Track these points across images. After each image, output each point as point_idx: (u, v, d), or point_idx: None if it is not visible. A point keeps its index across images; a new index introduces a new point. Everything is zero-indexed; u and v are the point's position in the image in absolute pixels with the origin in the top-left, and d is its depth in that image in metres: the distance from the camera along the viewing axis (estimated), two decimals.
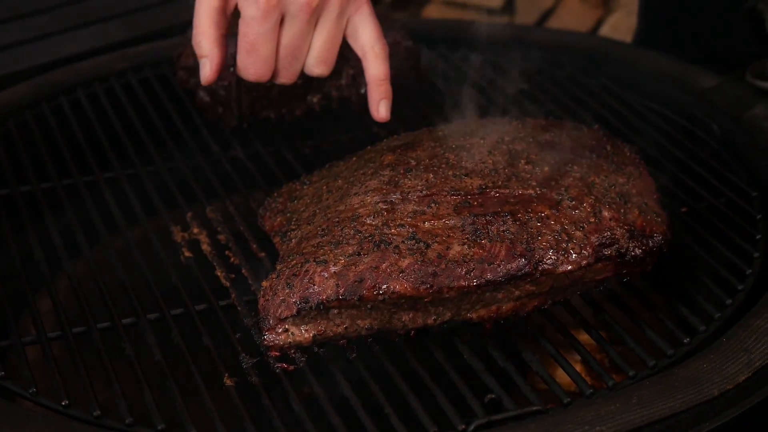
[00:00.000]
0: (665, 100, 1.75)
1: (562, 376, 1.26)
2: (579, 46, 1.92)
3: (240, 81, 1.63)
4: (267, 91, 1.67)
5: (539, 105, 1.76)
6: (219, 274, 1.39)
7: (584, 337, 1.31)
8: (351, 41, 1.42)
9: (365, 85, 1.68)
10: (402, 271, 1.23)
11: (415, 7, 3.68)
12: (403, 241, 1.25)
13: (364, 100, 1.62)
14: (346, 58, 1.70)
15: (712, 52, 1.88)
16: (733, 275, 1.37)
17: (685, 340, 1.27)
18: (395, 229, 1.27)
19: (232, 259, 1.42)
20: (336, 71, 1.68)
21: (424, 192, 1.31)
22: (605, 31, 2.13)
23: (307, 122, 1.72)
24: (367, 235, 1.27)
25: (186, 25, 1.74)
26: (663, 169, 1.56)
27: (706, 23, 1.94)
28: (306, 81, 1.67)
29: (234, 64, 1.46)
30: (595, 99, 1.77)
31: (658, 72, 1.81)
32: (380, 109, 1.37)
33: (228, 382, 1.22)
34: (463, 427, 1.15)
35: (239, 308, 1.33)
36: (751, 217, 1.47)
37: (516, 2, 3.60)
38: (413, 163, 1.37)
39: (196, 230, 1.48)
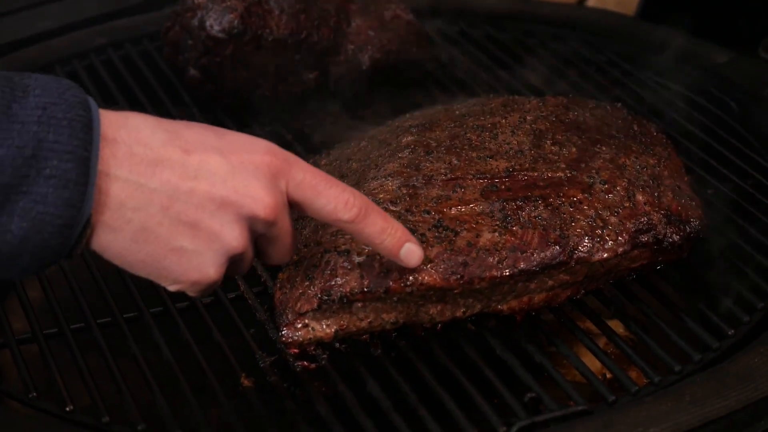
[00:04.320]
0: (677, 76, 1.68)
1: (592, 364, 1.18)
2: (584, 20, 1.83)
3: (235, 56, 1.54)
4: (263, 67, 1.58)
5: (547, 81, 1.68)
6: None
7: (619, 328, 1.24)
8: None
9: (366, 63, 1.60)
10: (430, 261, 1.14)
11: None
12: (429, 229, 1.17)
13: (366, 75, 1.54)
14: (344, 33, 1.62)
15: (716, 26, 1.82)
16: None
17: (729, 332, 1.19)
18: (420, 215, 1.18)
19: None
20: (333, 46, 1.60)
21: (448, 175, 1.23)
22: (592, 2, 2.05)
23: (304, 100, 1.63)
24: None
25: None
26: (683, 148, 1.48)
27: None
28: (303, 56, 1.58)
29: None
30: (605, 75, 1.70)
31: (668, 47, 1.73)
32: (409, 260, 1.10)
33: (245, 382, 1.13)
34: (505, 429, 1.07)
35: (250, 301, 1.23)
36: None
37: None
38: (433, 144, 1.28)
39: None
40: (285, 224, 1.03)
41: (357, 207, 1.04)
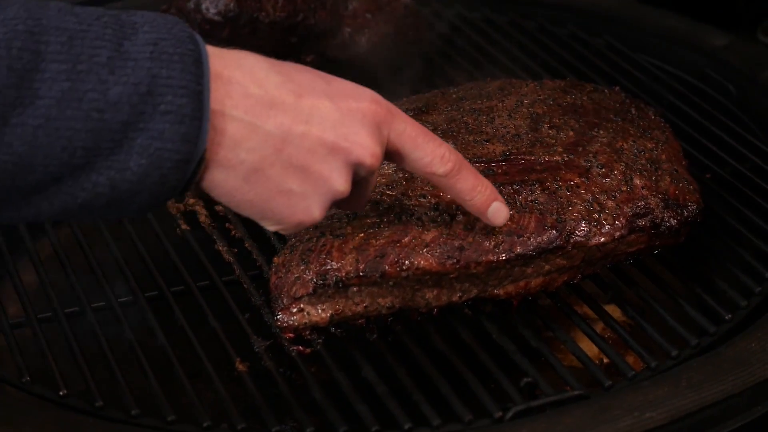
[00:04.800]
0: (675, 60, 1.67)
1: (589, 350, 1.17)
2: (583, 3, 1.82)
3: (231, 39, 1.53)
4: (258, 49, 1.56)
5: (544, 65, 1.67)
6: (220, 248, 1.30)
7: (616, 313, 1.23)
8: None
9: (363, 46, 1.59)
10: (426, 245, 1.14)
11: None
12: (425, 213, 1.16)
13: (363, 59, 1.53)
14: (341, 16, 1.61)
15: (715, 9, 1.81)
16: None
17: (726, 317, 1.19)
18: (416, 200, 1.18)
19: (233, 232, 1.33)
20: (330, 29, 1.59)
21: None
22: None
23: None
24: (386, 206, 1.17)
25: None
26: (681, 132, 1.47)
27: None
28: (300, 39, 1.57)
29: None
30: (602, 59, 1.69)
31: (665, 30, 1.73)
32: (496, 219, 1.12)
33: (240, 367, 1.12)
34: (500, 414, 1.06)
35: (245, 285, 1.23)
36: None
37: None
38: (430, 128, 1.26)
39: (191, 201, 1.38)
40: (377, 173, 1.06)
41: (452, 162, 1.06)
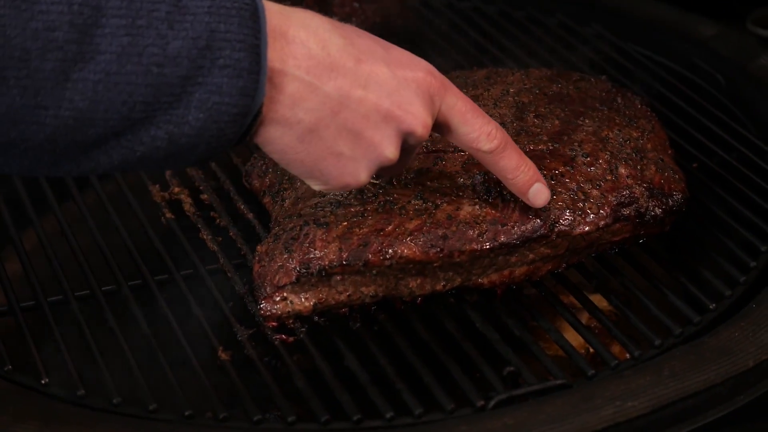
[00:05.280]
0: (664, 49, 1.67)
1: (571, 340, 1.17)
2: None
3: None
4: None
5: (532, 54, 1.66)
6: (204, 236, 1.29)
7: (600, 302, 1.23)
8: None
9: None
10: (410, 234, 1.13)
11: None
12: (409, 201, 1.16)
13: None
14: (329, 4, 1.61)
15: None
16: (754, 235, 1.29)
17: (711, 306, 1.18)
18: (400, 188, 1.17)
19: (217, 221, 1.32)
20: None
21: (429, 147, 1.22)
22: None
23: None
24: (370, 195, 1.17)
25: None
26: (669, 122, 1.47)
27: None
28: None
29: None
30: (591, 48, 1.68)
31: (655, 19, 1.72)
32: (536, 200, 1.14)
33: (223, 356, 1.12)
34: (482, 403, 1.06)
35: (229, 274, 1.23)
36: (766, 172, 1.39)
37: None
38: None
39: (176, 189, 1.38)
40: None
41: (498, 139, 1.07)
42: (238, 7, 0.91)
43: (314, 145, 0.98)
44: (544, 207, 1.16)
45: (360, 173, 1.02)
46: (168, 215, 1.33)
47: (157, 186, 1.38)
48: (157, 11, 0.88)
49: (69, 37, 0.85)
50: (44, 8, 0.84)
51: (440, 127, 1.07)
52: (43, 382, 1.08)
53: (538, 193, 1.13)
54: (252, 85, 0.92)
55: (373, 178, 1.09)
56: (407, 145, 1.05)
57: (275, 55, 0.94)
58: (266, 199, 1.28)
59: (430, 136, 1.21)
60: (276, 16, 0.94)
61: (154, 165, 0.94)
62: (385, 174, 1.15)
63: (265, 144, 0.98)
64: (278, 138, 0.97)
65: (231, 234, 1.29)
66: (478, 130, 1.06)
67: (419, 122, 1.02)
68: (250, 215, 1.31)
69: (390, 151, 1.02)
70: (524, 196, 1.13)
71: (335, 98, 0.97)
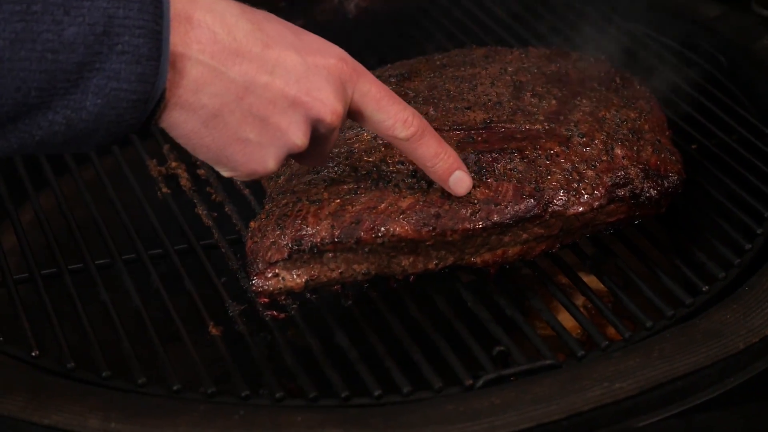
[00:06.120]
0: (667, 29, 1.65)
1: (564, 321, 1.17)
2: None
3: None
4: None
5: (536, 33, 1.65)
6: (200, 211, 1.29)
7: (594, 283, 1.23)
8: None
9: (352, 11, 1.58)
10: (402, 212, 1.13)
11: None
12: (403, 180, 1.16)
13: (353, 23, 1.52)
14: None
15: None
16: (750, 218, 1.28)
17: (704, 288, 1.18)
18: (394, 166, 1.17)
19: (213, 196, 1.32)
20: None
21: None
22: None
23: None
24: (363, 172, 1.17)
25: None
26: (669, 102, 1.46)
27: None
28: (289, 3, 1.56)
29: None
30: (593, 27, 1.67)
31: None
32: (457, 188, 1.13)
33: (213, 330, 1.12)
34: (471, 382, 1.06)
35: (223, 250, 1.23)
36: (765, 154, 1.38)
37: None
38: (411, 94, 1.27)
39: (173, 164, 1.38)
40: (338, 131, 1.05)
41: (414, 127, 1.06)
42: None
43: (219, 131, 0.97)
44: (538, 187, 1.16)
45: (267, 160, 1.01)
46: (164, 190, 1.34)
47: (155, 160, 1.38)
48: None
49: None
50: None
51: (355, 114, 1.05)
52: (33, 354, 1.09)
53: (459, 181, 1.11)
54: (152, 71, 0.91)
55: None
56: (318, 132, 1.03)
57: (178, 40, 0.93)
58: None
59: (426, 113, 1.22)
60: (181, 1, 0.93)
61: (54, 149, 0.93)
62: (305, 163, 1.12)
63: (169, 129, 0.97)
64: (182, 123, 0.96)
65: (226, 209, 1.29)
66: (394, 117, 1.05)
67: (328, 109, 1.00)
68: (246, 191, 1.31)
69: (298, 137, 1.00)
70: (445, 184, 1.11)
71: (240, 83, 0.96)
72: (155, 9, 0.90)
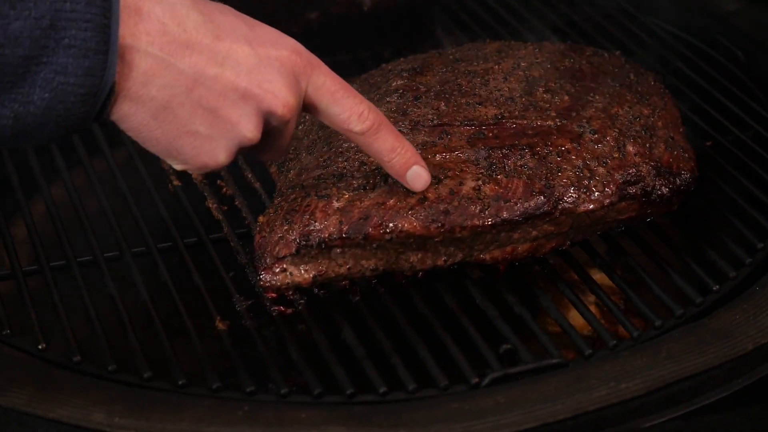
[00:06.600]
0: (685, 24, 1.64)
1: (575, 318, 1.16)
2: None
3: None
4: (261, 6, 1.55)
5: (550, 27, 1.64)
6: (210, 205, 1.29)
7: (605, 281, 1.22)
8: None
9: (368, 3, 1.57)
10: (411, 209, 1.13)
11: None
12: None
13: (367, 15, 1.52)
14: None
15: None
16: (763, 216, 1.27)
17: (714, 287, 1.17)
18: None
19: (224, 189, 1.32)
20: None
21: (435, 121, 1.21)
22: None
23: (305, 40, 1.60)
24: (373, 167, 1.16)
25: None
26: (685, 98, 1.45)
27: None
28: None
29: None
30: (611, 21, 1.66)
31: None
32: (415, 183, 1.12)
33: (220, 325, 1.12)
34: (477, 380, 1.06)
35: (232, 244, 1.23)
36: None
37: None
38: (423, 89, 1.26)
39: None
40: (294, 124, 1.04)
41: (370, 121, 1.05)
42: None
43: (169, 123, 0.96)
44: (548, 183, 1.15)
45: (218, 153, 1.00)
46: (176, 182, 1.33)
47: None
48: None
49: None
50: None
51: (310, 107, 1.04)
52: (40, 347, 1.09)
53: (417, 177, 1.10)
54: (99, 65, 0.90)
55: None
56: (271, 126, 1.02)
57: (127, 32, 0.92)
58: (273, 169, 1.28)
59: (437, 108, 1.21)
60: None
61: (4, 143, 0.93)
62: (262, 158, 1.11)
63: (120, 121, 0.96)
64: (131, 115, 0.96)
65: (237, 203, 1.29)
66: (349, 111, 1.04)
67: (280, 102, 0.99)
68: (257, 184, 1.31)
69: (249, 130, 0.99)
70: (402, 179, 1.10)
71: (190, 75, 0.95)
72: (103, 2, 0.90)
